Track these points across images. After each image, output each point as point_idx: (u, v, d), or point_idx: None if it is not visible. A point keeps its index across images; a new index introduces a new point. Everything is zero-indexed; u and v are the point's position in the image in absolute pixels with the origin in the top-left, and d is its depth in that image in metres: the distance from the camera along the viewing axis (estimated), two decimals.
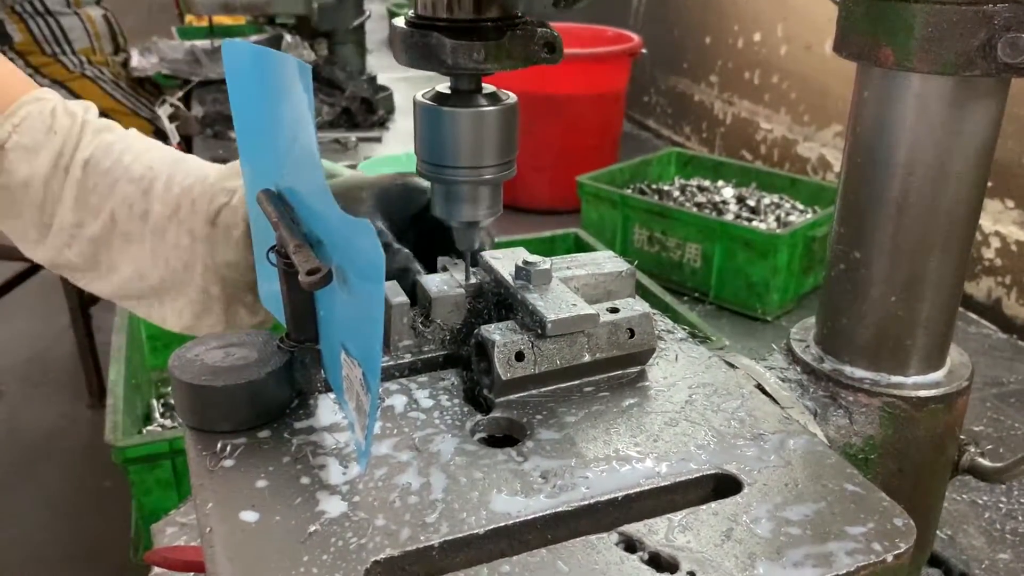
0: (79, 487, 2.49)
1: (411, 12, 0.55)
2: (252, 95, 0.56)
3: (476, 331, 0.59)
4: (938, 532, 0.93)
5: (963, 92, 0.59)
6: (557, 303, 0.59)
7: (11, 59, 2.86)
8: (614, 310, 0.61)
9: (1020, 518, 1.00)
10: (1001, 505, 1.02)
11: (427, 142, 0.56)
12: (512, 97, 0.57)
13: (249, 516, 0.47)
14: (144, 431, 1.18)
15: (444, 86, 0.57)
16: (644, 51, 1.88)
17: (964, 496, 1.04)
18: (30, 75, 2.92)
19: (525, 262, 0.62)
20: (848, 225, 0.66)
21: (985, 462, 0.70)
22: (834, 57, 0.65)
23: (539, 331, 0.58)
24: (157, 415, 1.26)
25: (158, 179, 0.75)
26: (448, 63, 0.52)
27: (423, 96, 0.57)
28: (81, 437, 2.68)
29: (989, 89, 0.59)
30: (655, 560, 0.46)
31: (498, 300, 0.64)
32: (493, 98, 0.56)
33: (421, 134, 0.57)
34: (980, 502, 1.03)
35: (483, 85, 0.56)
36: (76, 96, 2.83)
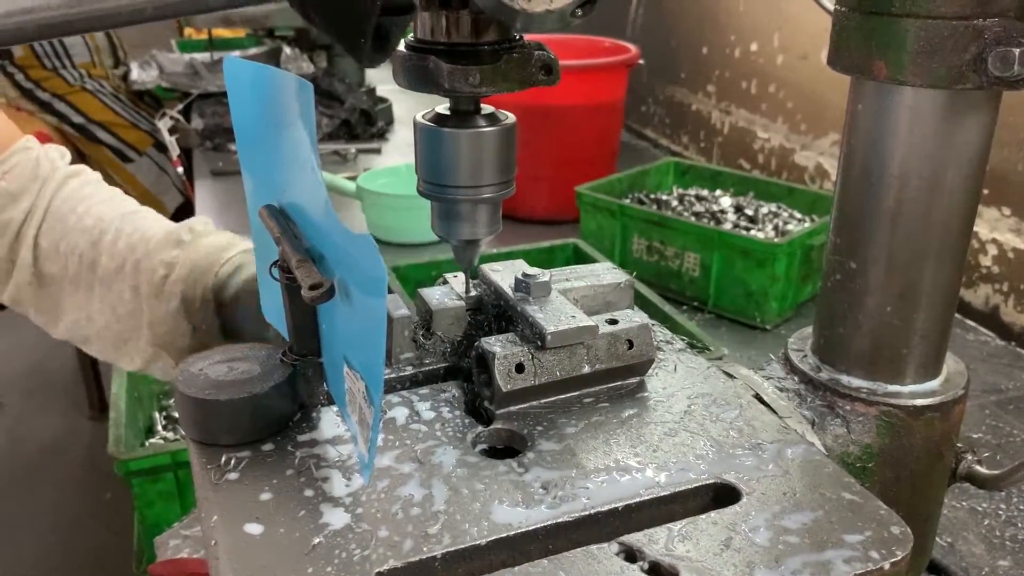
0: (80, 499, 2.49)
1: (411, 36, 0.56)
2: (253, 111, 0.57)
3: (476, 343, 0.60)
4: (937, 539, 0.93)
5: (955, 105, 0.59)
6: (556, 315, 0.60)
7: (11, 73, 2.85)
8: (613, 321, 0.61)
9: (1020, 525, 1.01)
10: (1001, 512, 1.03)
11: (427, 162, 0.57)
12: (511, 117, 0.58)
13: (253, 528, 0.48)
14: (147, 444, 1.18)
15: (444, 107, 0.58)
16: (641, 61, 1.89)
17: (963, 503, 1.04)
18: (30, 89, 2.92)
19: (524, 274, 0.63)
20: (843, 236, 0.67)
21: (982, 469, 0.71)
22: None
23: (539, 343, 0.59)
24: (159, 428, 1.26)
25: (106, 232, 0.81)
26: (445, 87, 0.53)
27: (423, 117, 0.58)
28: (82, 449, 2.69)
29: (981, 102, 0.60)
30: (655, 569, 0.46)
31: (498, 312, 0.64)
32: (492, 118, 0.57)
33: (421, 154, 0.58)
34: (980, 509, 1.03)
35: (482, 106, 0.57)
36: (76, 109, 2.86)
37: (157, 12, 0.39)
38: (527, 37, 0.55)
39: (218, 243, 0.83)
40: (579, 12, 0.49)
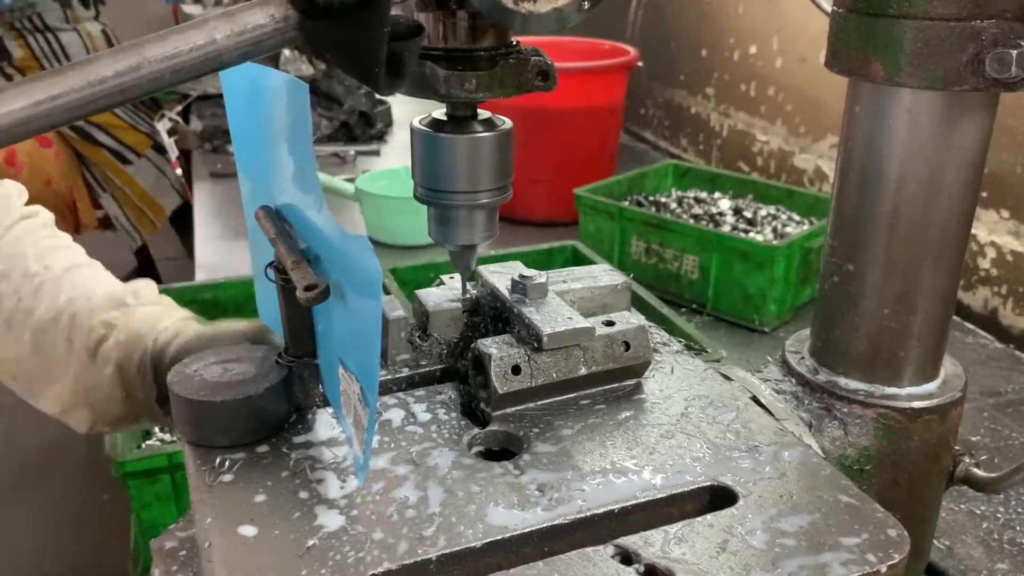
0: (77, 501, 2.49)
1: None
2: (250, 113, 0.57)
3: (473, 345, 0.60)
4: (936, 542, 0.93)
5: (953, 106, 0.59)
6: (553, 317, 0.60)
7: (10, 75, 2.85)
8: (610, 323, 0.61)
9: (1018, 528, 1.01)
10: (999, 515, 1.03)
11: (424, 167, 0.57)
12: (507, 123, 0.58)
13: (248, 530, 0.48)
14: (143, 445, 1.18)
15: (440, 112, 0.57)
16: (640, 64, 1.89)
17: (962, 506, 1.04)
18: None
19: (521, 276, 0.63)
20: (841, 238, 0.67)
21: (980, 472, 0.71)
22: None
23: (535, 345, 0.58)
24: (156, 429, 1.26)
25: (48, 282, 0.82)
26: (441, 92, 0.53)
27: (420, 122, 0.58)
28: (79, 451, 2.68)
29: (978, 103, 0.60)
30: (651, 572, 0.46)
31: (495, 314, 0.64)
32: (488, 124, 0.57)
33: (418, 160, 0.57)
34: (978, 512, 1.03)
35: (479, 111, 0.57)
36: None
37: (175, 77, 0.39)
38: (524, 40, 0.55)
39: (157, 312, 0.83)
40: (585, 5, 0.49)
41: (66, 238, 0.88)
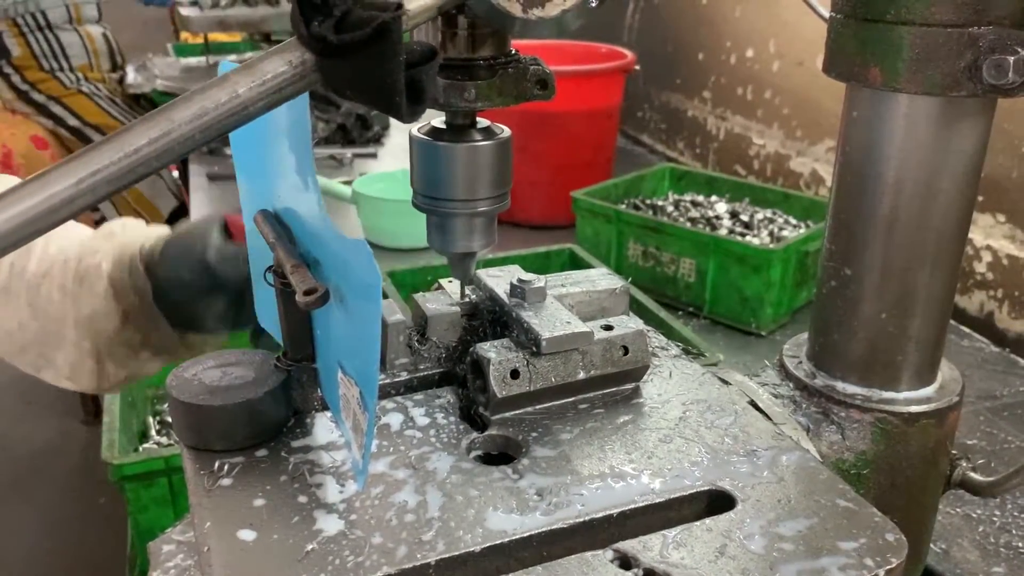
0: (74, 504, 2.48)
1: None
2: None
3: (472, 349, 0.60)
4: (932, 546, 0.93)
5: (950, 112, 0.59)
6: (552, 321, 0.60)
7: (7, 74, 2.83)
8: (608, 327, 0.61)
9: (1014, 531, 1.01)
10: (995, 519, 1.03)
11: (422, 175, 0.57)
12: (506, 131, 0.58)
13: (247, 535, 0.48)
14: (140, 448, 1.18)
15: (439, 120, 0.58)
16: (637, 67, 1.89)
17: (958, 510, 1.04)
18: (26, 91, 2.91)
19: (520, 280, 0.63)
20: (839, 242, 0.67)
21: (977, 476, 0.71)
22: None
23: (534, 349, 0.58)
24: (153, 432, 1.26)
25: (37, 240, 0.81)
26: (440, 102, 0.53)
27: (418, 131, 0.58)
28: (76, 453, 2.68)
29: (975, 109, 0.60)
30: None
31: (493, 318, 0.64)
32: (487, 132, 0.57)
33: (417, 168, 0.58)
34: (974, 516, 1.03)
35: (478, 119, 0.57)
36: (72, 112, 2.85)
37: (205, 135, 0.40)
38: (522, 46, 0.55)
39: (145, 231, 0.84)
40: (593, 3, 0.49)
41: None
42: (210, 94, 0.40)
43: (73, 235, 0.84)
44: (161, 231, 0.85)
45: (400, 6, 0.41)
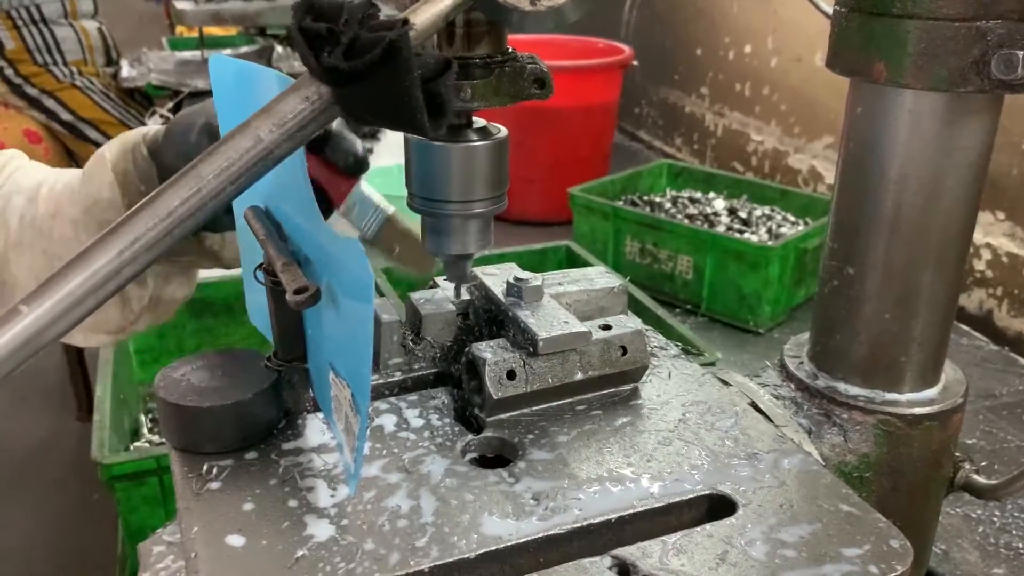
0: (66, 501, 2.47)
1: None
2: (239, 110, 0.55)
3: (467, 349, 0.59)
4: (932, 547, 0.92)
5: (956, 108, 0.58)
6: (549, 320, 0.58)
7: (0, 67, 2.80)
8: (606, 327, 0.60)
9: (1014, 532, 1.00)
10: (995, 519, 1.02)
11: (417, 176, 0.56)
12: (503, 131, 0.57)
13: (235, 540, 0.47)
14: (132, 447, 1.16)
15: None
16: (635, 63, 1.88)
17: (958, 510, 1.03)
18: (19, 84, 2.89)
19: (516, 279, 0.61)
20: (841, 241, 0.66)
21: (980, 479, 0.70)
22: (824, 69, 0.65)
23: (531, 349, 0.57)
24: (145, 431, 1.25)
25: (43, 185, 0.80)
26: None
27: None
28: (69, 450, 2.66)
29: (982, 105, 0.59)
30: None
31: (489, 317, 0.63)
32: (484, 132, 0.56)
33: (411, 168, 0.56)
34: (974, 516, 1.02)
35: (474, 119, 0.56)
36: (65, 106, 2.83)
37: (236, 186, 0.41)
38: (520, 43, 0.54)
39: (149, 128, 0.81)
40: None
41: (52, 168, 0.87)
42: (234, 144, 0.40)
43: (78, 172, 0.81)
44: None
45: (406, 22, 0.40)
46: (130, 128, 2.82)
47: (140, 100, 2.96)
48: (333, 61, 0.39)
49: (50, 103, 2.80)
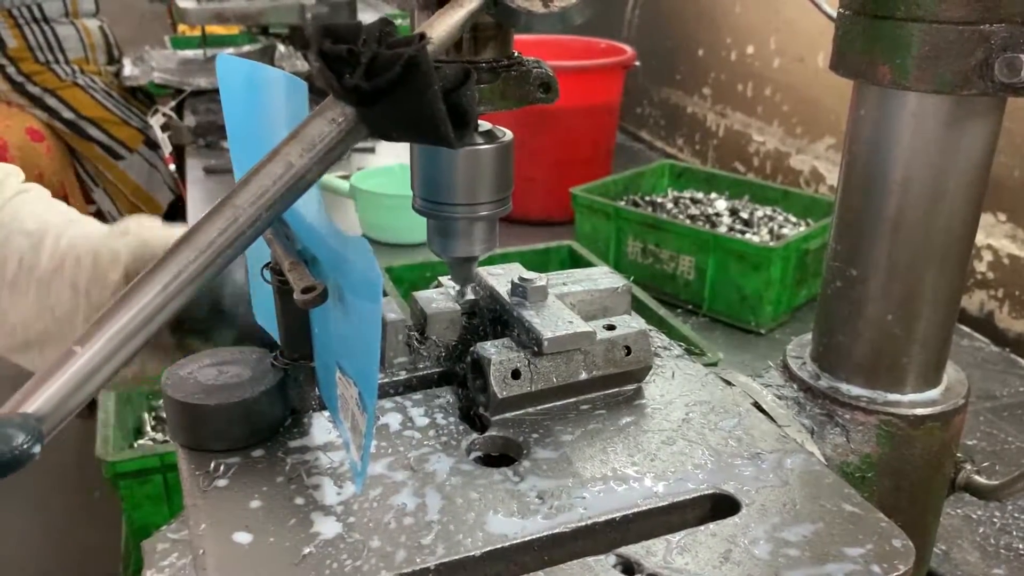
0: (69, 499, 2.47)
1: None
2: (246, 110, 0.56)
3: (472, 348, 0.59)
4: (933, 547, 0.92)
5: (960, 111, 0.59)
6: (553, 320, 0.59)
7: (2, 65, 2.82)
8: (611, 327, 0.60)
9: (1015, 533, 1.00)
10: (995, 520, 1.02)
11: (423, 179, 0.56)
12: (508, 134, 0.57)
13: (242, 537, 0.47)
14: (135, 445, 1.17)
15: None
16: (637, 63, 1.88)
17: (958, 511, 1.03)
18: (21, 83, 2.90)
19: (521, 278, 0.62)
20: (844, 242, 0.66)
21: (982, 480, 0.70)
22: (826, 70, 0.65)
23: (535, 349, 0.58)
24: (149, 428, 1.25)
25: (48, 234, 0.81)
26: None
27: None
28: (71, 447, 2.66)
29: (985, 108, 0.59)
30: None
31: (494, 317, 0.63)
32: (489, 135, 0.56)
33: (417, 171, 0.57)
34: (974, 517, 1.03)
35: (479, 122, 0.56)
36: (67, 104, 2.83)
37: (271, 213, 0.41)
38: (522, 41, 0.54)
39: (166, 230, 0.82)
40: None
41: (62, 205, 0.88)
42: (267, 171, 0.41)
43: (88, 230, 0.82)
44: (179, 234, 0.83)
45: (423, 36, 0.41)
46: (131, 127, 2.83)
47: (142, 98, 2.96)
48: (355, 81, 0.40)
49: (52, 101, 2.80)
